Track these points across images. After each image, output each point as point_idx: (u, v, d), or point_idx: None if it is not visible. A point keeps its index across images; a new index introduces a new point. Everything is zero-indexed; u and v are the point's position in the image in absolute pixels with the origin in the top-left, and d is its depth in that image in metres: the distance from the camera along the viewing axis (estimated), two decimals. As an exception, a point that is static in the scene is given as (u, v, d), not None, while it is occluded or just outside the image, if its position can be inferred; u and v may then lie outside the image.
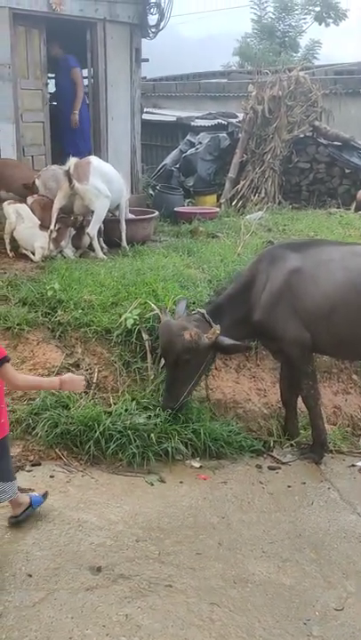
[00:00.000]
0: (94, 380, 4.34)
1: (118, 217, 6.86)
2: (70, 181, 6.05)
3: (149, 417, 3.98)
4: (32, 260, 6.05)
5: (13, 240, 6.23)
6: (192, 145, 11.09)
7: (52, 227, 6.08)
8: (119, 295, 4.86)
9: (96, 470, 3.75)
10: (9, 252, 6.25)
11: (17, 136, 7.60)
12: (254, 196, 9.81)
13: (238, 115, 11.25)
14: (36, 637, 2.50)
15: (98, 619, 2.60)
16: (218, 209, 9.33)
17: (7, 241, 6.24)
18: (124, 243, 6.84)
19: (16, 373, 2.84)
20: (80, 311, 4.68)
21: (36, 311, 4.67)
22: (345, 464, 4.15)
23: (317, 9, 22.07)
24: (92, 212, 6.26)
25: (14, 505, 3.15)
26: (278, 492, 3.71)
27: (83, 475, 3.70)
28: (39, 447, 3.85)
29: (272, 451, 4.19)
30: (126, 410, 4.02)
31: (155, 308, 4.55)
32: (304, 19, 22.94)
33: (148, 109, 12.84)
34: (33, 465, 3.75)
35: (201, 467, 3.90)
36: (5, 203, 6.36)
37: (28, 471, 3.68)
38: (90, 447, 3.77)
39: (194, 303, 4.70)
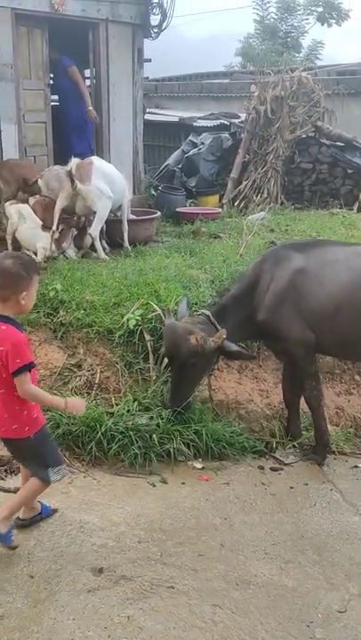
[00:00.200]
0: (96, 381, 4.33)
1: (120, 217, 6.85)
2: (72, 182, 6.04)
3: (151, 418, 3.97)
4: (34, 261, 6.05)
5: (15, 240, 6.22)
6: (194, 145, 11.08)
7: (54, 227, 6.07)
8: (121, 296, 4.86)
9: (98, 471, 3.74)
10: (11, 252, 6.25)
11: (19, 136, 7.60)
12: (257, 196, 9.80)
13: (241, 115, 11.23)
14: (37, 639, 2.50)
15: (100, 620, 2.60)
16: (220, 209, 9.32)
17: (9, 241, 6.24)
18: (126, 243, 6.84)
19: (31, 383, 2.81)
20: (82, 312, 4.67)
21: (38, 312, 4.66)
22: (348, 465, 4.14)
23: (320, 9, 22.07)
24: (94, 212, 6.26)
25: (27, 507, 3.15)
26: (281, 494, 3.70)
27: (85, 476, 3.70)
28: (41, 448, 3.84)
29: (274, 452, 4.18)
30: (128, 410, 4.01)
31: (157, 308, 4.54)
32: (306, 19, 23.00)
33: (150, 110, 12.85)
34: (35, 466, 3.73)
35: (203, 468, 3.89)
36: (7, 203, 6.36)
37: (30, 472, 3.66)
38: (92, 448, 3.76)
39: (196, 304, 4.69)
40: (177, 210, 8.83)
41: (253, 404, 4.59)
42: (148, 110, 11.85)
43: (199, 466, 3.90)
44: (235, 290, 4.18)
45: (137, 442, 3.81)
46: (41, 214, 6.24)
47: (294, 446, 4.24)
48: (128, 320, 4.50)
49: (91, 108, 8.41)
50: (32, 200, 6.41)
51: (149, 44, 9.10)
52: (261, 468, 3.97)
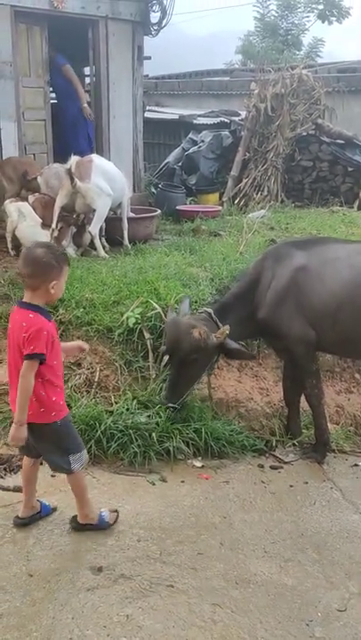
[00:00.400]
0: (96, 379, 4.32)
1: (120, 215, 6.84)
2: (72, 180, 6.03)
3: (151, 416, 3.96)
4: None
5: (15, 238, 6.21)
6: (194, 143, 11.07)
7: (53, 225, 6.07)
8: (121, 294, 4.85)
9: (97, 470, 3.73)
10: (10, 250, 6.24)
11: (19, 134, 7.60)
12: (257, 194, 9.80)
13: (241, 113, 11.23)
14: (36, 638, 2.49)
15: (99, 619, 2.59)
16: (220, 207, 9.32)
17: (9, 239, 6.24)
18: (126, 241, 6.83)
19: (32, 375, 2.77)
20: (82, 310, 4.66)
21: (37, 310, 4.65)
22: (348, 464, 4.13)
23: (320, 7, 22.10)
24: (94, 210, 6.25)
25: (26, 506, 3.15)
26: (280, 492, 3.69)
27: (84, 474, 3.68)
28: (40, 446, 3.83)
29: (274, 450, 4.17)
30: (128, 409, 4.00)
31: (156, 306, 4.53)
32: (307, 17, 23.01)
33: (150, 107, 12.85)
34: (34, 464, 3.73)
35: (203, 466, 3.88)
36: (7, 201, 6.36)
37: (30, 470, 3.66)
38: (91, 446, 3.75)
39: (196, 302, 4.69)
40: (177, 208, 8.83)
41: (253, 402, 4.59)
42: (148, 108, 11.85)
43: (199, 464, 3.89)
44: (236, 288, 4.17)
45: (136, 440, 3.80)
46: (40, 212, 6.24)
47: (294, 445, 4.23)
48: (128, 318, 4.49)
49: (85, 105, 8.40)
50: (32, 198, 6.41)
51: (149, 41, 9.09)
52: (261, 466, 3.96)
